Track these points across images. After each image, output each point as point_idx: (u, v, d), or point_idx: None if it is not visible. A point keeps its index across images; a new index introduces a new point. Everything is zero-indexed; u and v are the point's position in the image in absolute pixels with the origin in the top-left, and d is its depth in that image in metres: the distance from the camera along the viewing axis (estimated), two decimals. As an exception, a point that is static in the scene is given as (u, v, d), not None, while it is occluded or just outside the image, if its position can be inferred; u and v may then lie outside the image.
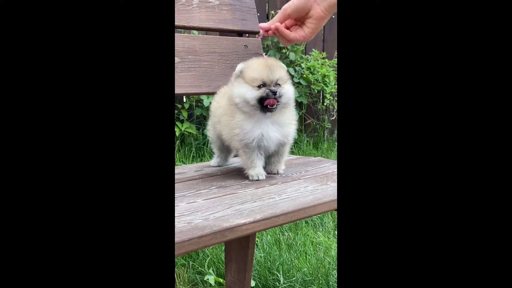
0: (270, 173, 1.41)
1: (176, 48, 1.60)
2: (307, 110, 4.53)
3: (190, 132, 3.80)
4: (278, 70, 1.32)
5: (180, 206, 1.09)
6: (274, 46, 4.15)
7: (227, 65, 1.72)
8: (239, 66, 1.34)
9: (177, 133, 3.74)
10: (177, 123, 3.79)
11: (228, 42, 1.75)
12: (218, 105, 1.48)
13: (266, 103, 1.28)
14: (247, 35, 1.83)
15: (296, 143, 4.26)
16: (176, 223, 0.95)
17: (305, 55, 4.45)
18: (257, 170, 1.36)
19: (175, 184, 1.33)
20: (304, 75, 4.25)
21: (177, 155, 3.71)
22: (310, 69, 4.27)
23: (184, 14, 1.63)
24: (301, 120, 4.44)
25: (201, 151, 3.83)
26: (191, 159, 3.69)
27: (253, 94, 1.29)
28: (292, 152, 4.18)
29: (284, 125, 1.35)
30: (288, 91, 1.35)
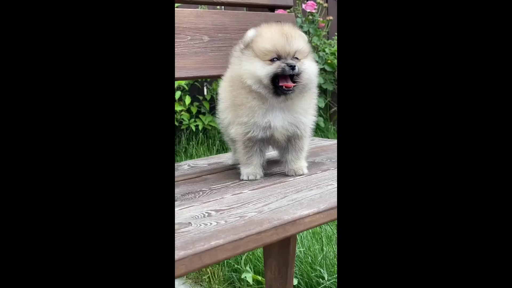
0: (293, 174, 1.12)
1: (205, 25, 1.45)
2: (333, 97, 4.35)
3: (212, 126, 3.67)
4: (296, 40, 1.05)
5: (226, 198, 0.94)
6: (296, 31, 3.99)
7: (260, 44, 1.56)
8: (250, 33, 1.08)
9: (200, 127, 3.61)
10: (200, 116, 3.66)
11: (260, 18, 1.59)
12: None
13: (281, 84, 1.02)
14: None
15: (323, 131, 4.09)
16: (226, 217, 0.81)
17: (328, 40, 4.27)
18: (251, 168, 1.11)
19: (214, 175, 1.19)
20: (329, 61, 4.07)
21: (201, 149, 3.58)
22: (335, 55, 4.09)
23: (211, -11, 1.48)
24: (327, 108, 4.26)
25: (226, 143, 3.69)
26: (215, 152, 3.56)
27: (265, 70, 1.02)
28: (319, 141, 4.03)
29: (298, 113, 1.08)
30: (309, 68, 1.06)
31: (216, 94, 3.73)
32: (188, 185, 1.09)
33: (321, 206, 0.84)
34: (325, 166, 1.19)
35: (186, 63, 1.38)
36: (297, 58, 1.05)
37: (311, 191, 0.95)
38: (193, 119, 3.65)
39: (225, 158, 1.39)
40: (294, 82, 1.04)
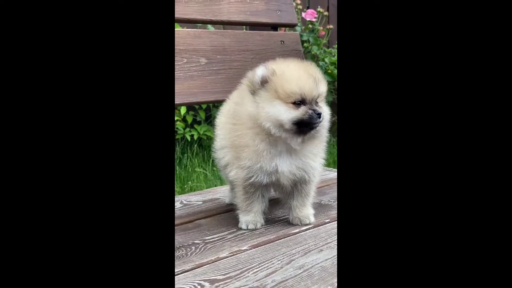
0: (298, 223, 1.00)
1: (202, 47, 1.33)
2: (333, 108, 4.23)
3: (208, 136, 3.54)
4: (322, 82, 0.95)
5: (223, 261, 0.82)
6: (296, 40, 3.86)
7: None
8: (260, 72, 0.93)
9: (195, 137, 3.48)
10: (195, 125, 3.53)
11: (262, 37, 1.47)
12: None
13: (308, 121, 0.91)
14: (284, 29, 1.55)
15: (322, 143, 3.97)
16: (222, 294, 0.68)
17: (328, 48, 4.16)
18: (251, 216, 0.99)
19: (209, 218, 1.07)
20: (329, 71, 3.95)
21: (196, 160, 3.45)
22: (335, 64, 3.97)
23: (210, 7, 1.36)
24: (326, 118, 4.15)
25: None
26: (211, 164, 3.43)
27: (290, 115, 0.91)
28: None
29: (307, 157, 0.97)
30: (325, 113, 0.96)
31: (214, 104, 3.59)
32: (180, 234, 0.96)
33: (335, 282, 0.71)
34: (333, 212, 1.07)
35: (181, 88, 1.26)
36: (317, 102, 0.94)
37: (320, 253, 0.83)
38: (188, 129, 3.52)
39: (222, 194, 1.26)
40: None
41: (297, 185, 0.99)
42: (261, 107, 0.92)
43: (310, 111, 0.91)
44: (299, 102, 0.91)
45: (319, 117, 0.91)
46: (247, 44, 1.43)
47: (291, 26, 1.59)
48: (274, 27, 1.53)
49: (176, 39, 1.25)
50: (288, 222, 1.01)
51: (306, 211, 1.01)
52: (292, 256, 0.82)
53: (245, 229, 0.98)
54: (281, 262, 0.80)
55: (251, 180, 0.96)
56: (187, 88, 1.28)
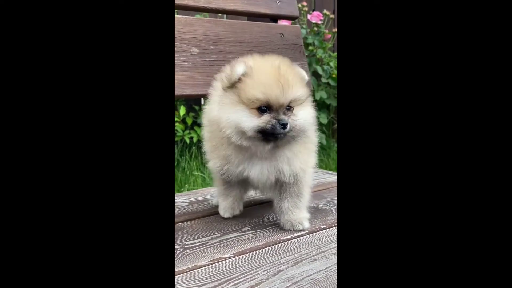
0: (290, 229, 0.89)
1: (194, 35, 1.23)
2: (336, 113, 4.14)
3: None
4: (293, 87, 0.82)
5: (200, 271, 0.71)
6: (301, 42, 3.77)
7: (258, 59, 1.34)
8: (241, 69, 0.82)
9: (194, 139, 3.38)
10: (194, 127, 3.44)
11: (260, 29, 1.37)
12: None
13: (270, 131, 0.82)
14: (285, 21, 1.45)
15: (325, 149, 3.86)
16: (194, 309, 0.58)
17: (334, 52, 4.06)
18: (229, 201, 0.95)
19: (193, 221, 0.96)
20: (334, 75, 3.85)
21: (194, 163, 3.35)
22: (340, 68, 3.87)
23: (204, -7, 1.26)
24: (330, 124, 4.04)
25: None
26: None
27: (251, 123, 0.81)
28: (321, 161, 3.79)
29: (281, 161, 0.87)
30: (302, 119, 0.85)
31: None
32: (158, 237, 0.85)
33: (328, 298, 0.61)
34: (331, 217, 0.96)
35: (169, 80, 1.16)
36: (290, 107, 0.83)
37: (313, 264, 0.72)
38: (187, 131, 3.43)
39: (210, 195, 1.16)
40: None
41: (284, 186, 0.89)
42: (223, 111, 0.83)
43: (274, 121, 0.80)
44: (265, 109, 0.81)
45: (284, 128, 0.80)
46: (244, 35, 1.33)
47: (292, 19, 1.49)
48: (274, 18, 1.43)
49: (164, 26, 1.15)
50: (280, 228, 0.90)
51: (299, 215, 0.90)
52: (281, 266, 0.71)
53: (222, 216, 0.97)
54: (267, 272, 0.69)
55: (223, 176, 0.93)
56: (176, 79, 1.18)
